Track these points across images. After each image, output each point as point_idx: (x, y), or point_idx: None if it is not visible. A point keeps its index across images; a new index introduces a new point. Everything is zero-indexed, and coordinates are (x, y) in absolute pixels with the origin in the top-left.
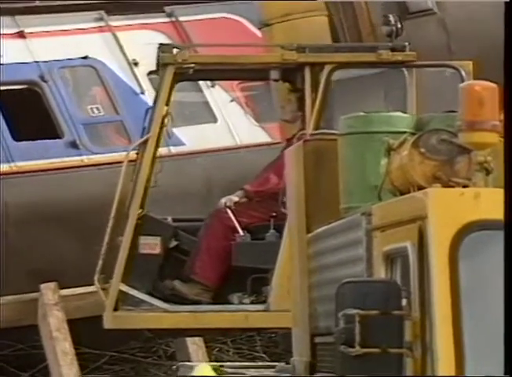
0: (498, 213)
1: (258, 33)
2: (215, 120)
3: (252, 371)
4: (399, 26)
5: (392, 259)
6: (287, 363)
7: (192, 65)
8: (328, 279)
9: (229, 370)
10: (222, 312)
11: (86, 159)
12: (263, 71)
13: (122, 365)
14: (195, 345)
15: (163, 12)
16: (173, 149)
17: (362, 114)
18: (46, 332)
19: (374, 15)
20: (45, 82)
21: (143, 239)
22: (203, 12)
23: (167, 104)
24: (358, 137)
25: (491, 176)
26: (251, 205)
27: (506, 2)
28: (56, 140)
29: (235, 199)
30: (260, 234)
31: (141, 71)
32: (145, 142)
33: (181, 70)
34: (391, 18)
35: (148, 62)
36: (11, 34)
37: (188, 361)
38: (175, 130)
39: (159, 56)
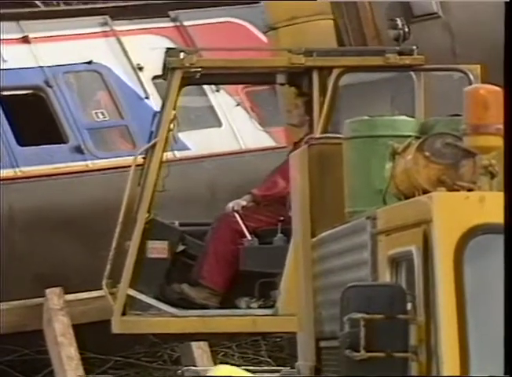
0: (503, 216)
1: (262, 37)
2: (220, 125)
3: (257, 376)
4: (406, 30)
5: (397, 263)
6: (292, 367)
7: (199, 69)
8: (333, 283)
9: None
10: (230, 316)
11: (91, 163)
12: (269, 75)
13: (127, 370)
14: (200, 350)
15: (168, 16)
16: (178, 154)
17: (367, 118)
18: (51, 337)
19: (378, 18)
20: (50, 87)
21: (151, 244)
22: (208, 16)
23: (174, 109)
24: (363, 140)
25: (496, 180)
26: (259, 209)
27: (506, 3)
28: (61, 145)
29: (243, 203)
30: (268, 238)
31: (146, 76)
32: (153, 147)
33: (187, 74)
34: (398, 22)
35: (153, 67)
36: (16, 39)
37: (193, 366)
38: (180, 135)
39: (165, 60)
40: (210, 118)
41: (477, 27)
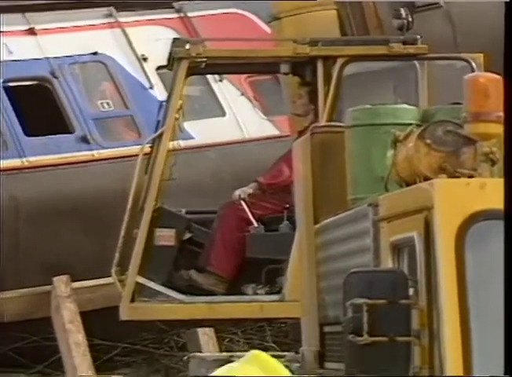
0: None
1: (266, 27)
2: (223, 114)
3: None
4: (410, 19)
5: (399, 249)
6: (297, 352)
7: (205, 59)
8: (336, 269)
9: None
10: (238, 302)
11: (97, 153)
12: (274, 65)
13: (134, 356)
14: (205, 336)
15: (172, 8)
16: (183, 143)
17: (368, 106)
18: (59, 324)
19: (381, 9)
20: (56, 78)
21: (158, 232)
22: (211, 7)
23: (180, 98)
24: (365, 129)
25: (497, 166)
26: (265, 197)
27: (506, 3)
28: (67, 135)
29: (249, 191)
30: (274, 225)
31: (150, 66)
32: (160, 136)
33: (193, 64)
34: (402, 12)
35: (157, 57)
36: (22, 31)
37: (199, 352)
38: (184, 124)
39: (171, 50)
40: (213, 108)
41: (478, 16)
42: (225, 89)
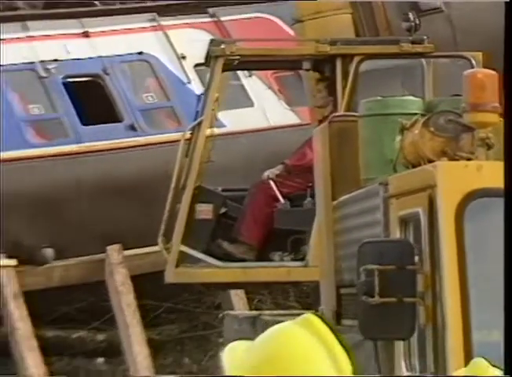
0: (498, 182)
1: (289, 30)
2: (252, 105)
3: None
4: (417, 22)
5: (406, 222)
6: (316, 311)
7: (238, 57)
8: (351, 239)
9: (268, 317)
10: (268, 267)
11: (143, 139)
12: (296, 62)
13: (176, 314)
14: (237, 297)
15: (207, 13)
16: (216, 130)
17: (379, 98)
18: (113, 287)
19: (389, 12)
20: (107, 74)
21: (198, 207)
22: (241, 12)
23: (217, 91)
24: (376, 118)
25: (492, 151)
26: (290, 177)
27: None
28: (117, 123)
29: (277, 172)
30: (298, 202)
31: (188, 64)
32: (199, 124)
33: (227, 61)
34: (410, 15)
35: (194, 56)
36: (78, 34)
37: (232, 310)
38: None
39: (209, 49)
40: (243, 100)
41: (475, 16)
42: (254, 83)
